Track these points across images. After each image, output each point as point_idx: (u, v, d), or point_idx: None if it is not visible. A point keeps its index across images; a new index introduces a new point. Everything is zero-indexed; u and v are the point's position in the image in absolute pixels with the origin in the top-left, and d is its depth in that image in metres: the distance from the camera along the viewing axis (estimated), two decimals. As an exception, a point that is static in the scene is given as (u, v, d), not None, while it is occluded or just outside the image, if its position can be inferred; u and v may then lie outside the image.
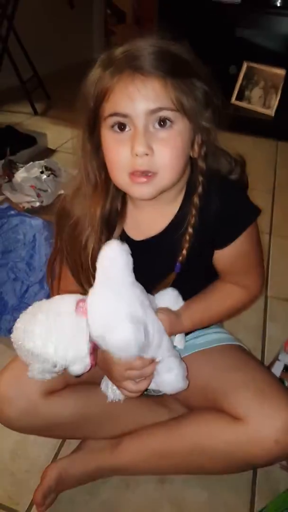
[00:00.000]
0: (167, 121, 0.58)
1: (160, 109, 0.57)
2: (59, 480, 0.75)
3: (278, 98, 2.32)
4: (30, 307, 0.65)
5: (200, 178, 0.65)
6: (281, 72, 2.33)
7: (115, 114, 0.58)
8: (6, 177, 1.64)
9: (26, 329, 0.61)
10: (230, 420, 0.68)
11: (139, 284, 0.64)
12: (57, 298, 0.66)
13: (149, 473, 0.79)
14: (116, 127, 0.59)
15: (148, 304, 0.64)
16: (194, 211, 0.65)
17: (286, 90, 2.29)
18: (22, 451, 0.84)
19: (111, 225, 0.68)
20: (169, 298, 0.71)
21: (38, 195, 1.56)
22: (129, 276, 0.62)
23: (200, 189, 0.65)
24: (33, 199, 1.55)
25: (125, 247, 0.62)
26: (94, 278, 0.63)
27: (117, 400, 0.71)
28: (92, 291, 0.62)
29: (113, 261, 0.61)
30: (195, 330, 0.78)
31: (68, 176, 1.60)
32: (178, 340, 0.72)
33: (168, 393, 0.70)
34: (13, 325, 0.63)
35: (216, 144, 0.66)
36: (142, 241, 0.69)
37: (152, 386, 0.69)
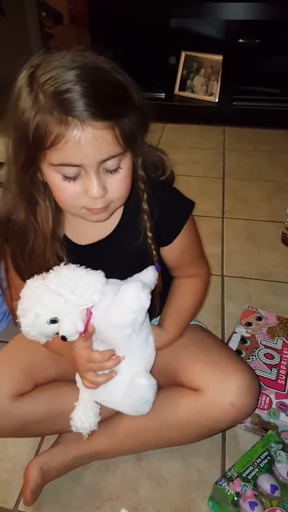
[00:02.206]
0: (118, 167, 0.62)
1: (112, 157, 0.60)
2: (42, 474, 0.82)
3: (219, 84, 2.40)
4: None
5: (142, 186, 0.71)
6: (218, 58, 2.40)
7: (66, 164, 0.59)
8: None
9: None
10: (190, 392, 0.76)
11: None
12: None
13: (124, 453, 0.87)
14: (66, 174, 0.60)
15: None
16: (146, 217, 0.72)
17: (226, 75, 2.37)
18: (3, 454, 0.91)
19: (56, 233, 0.73)
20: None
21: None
22: None
23: (145, 196, 0.71)
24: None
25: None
26: None
27: (84, 432, 0.77)
28: None
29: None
30: (182, 333, 0.82)
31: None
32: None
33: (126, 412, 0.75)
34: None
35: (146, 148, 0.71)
36: (88, 245, 0.75)
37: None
